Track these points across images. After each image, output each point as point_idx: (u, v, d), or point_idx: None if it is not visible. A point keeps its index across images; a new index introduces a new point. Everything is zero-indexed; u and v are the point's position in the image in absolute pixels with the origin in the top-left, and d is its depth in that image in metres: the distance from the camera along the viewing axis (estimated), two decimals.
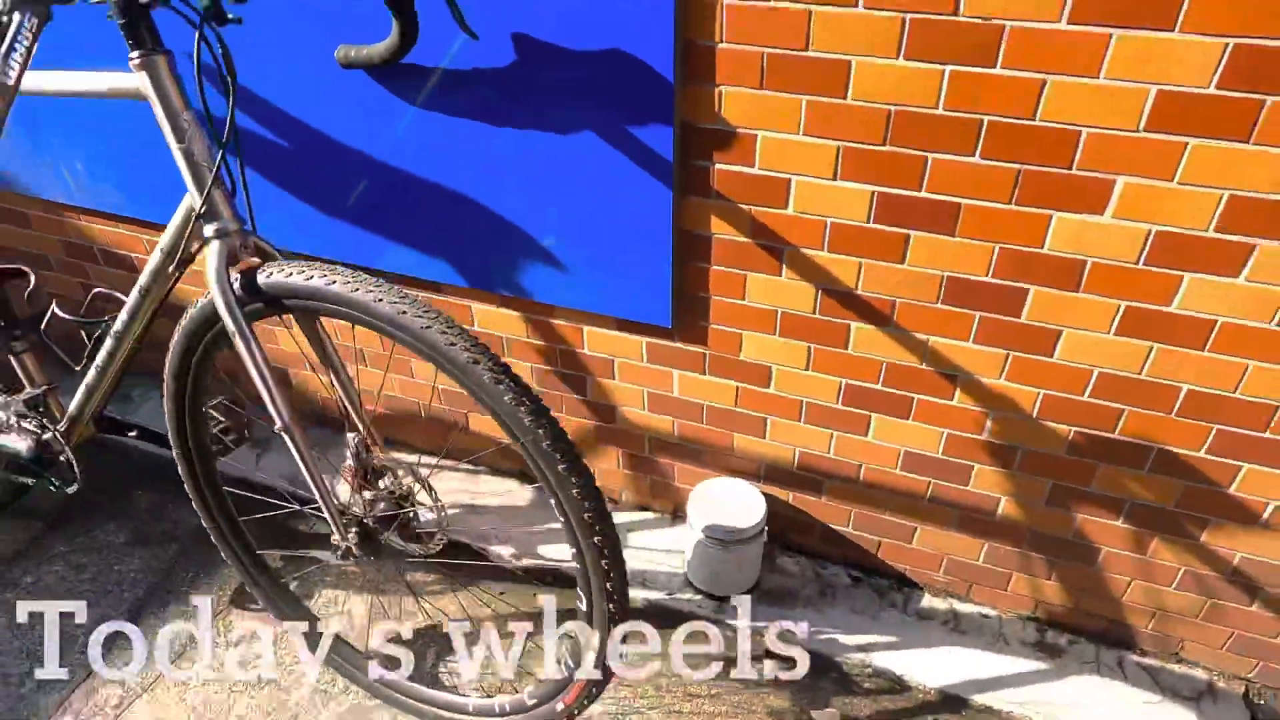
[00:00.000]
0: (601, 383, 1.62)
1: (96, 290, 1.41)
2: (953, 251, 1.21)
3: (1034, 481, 1.40)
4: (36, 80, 1.12)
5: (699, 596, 1.64)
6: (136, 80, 1.03)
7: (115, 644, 1.58)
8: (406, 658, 1.47)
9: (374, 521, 1.27)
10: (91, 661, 1.52)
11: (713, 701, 1.49)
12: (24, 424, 1.53)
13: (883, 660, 1.53)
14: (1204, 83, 0.98)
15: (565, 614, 1.39)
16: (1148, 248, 1.11)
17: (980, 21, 1.03)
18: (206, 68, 1.02)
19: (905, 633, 1.58)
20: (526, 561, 1.71)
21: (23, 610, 1.59)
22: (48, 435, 1.51)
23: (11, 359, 1.49)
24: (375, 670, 1.47)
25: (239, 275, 1.10)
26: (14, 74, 1.04)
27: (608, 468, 1.76)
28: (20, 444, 1.53)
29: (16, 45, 0.99)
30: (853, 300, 1.32)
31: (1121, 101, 1.02)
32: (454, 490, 1.85)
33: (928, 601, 1.63)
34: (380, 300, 1.04)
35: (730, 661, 1.54)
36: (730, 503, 1.57)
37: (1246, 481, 1.26)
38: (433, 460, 1.85)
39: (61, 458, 1.53)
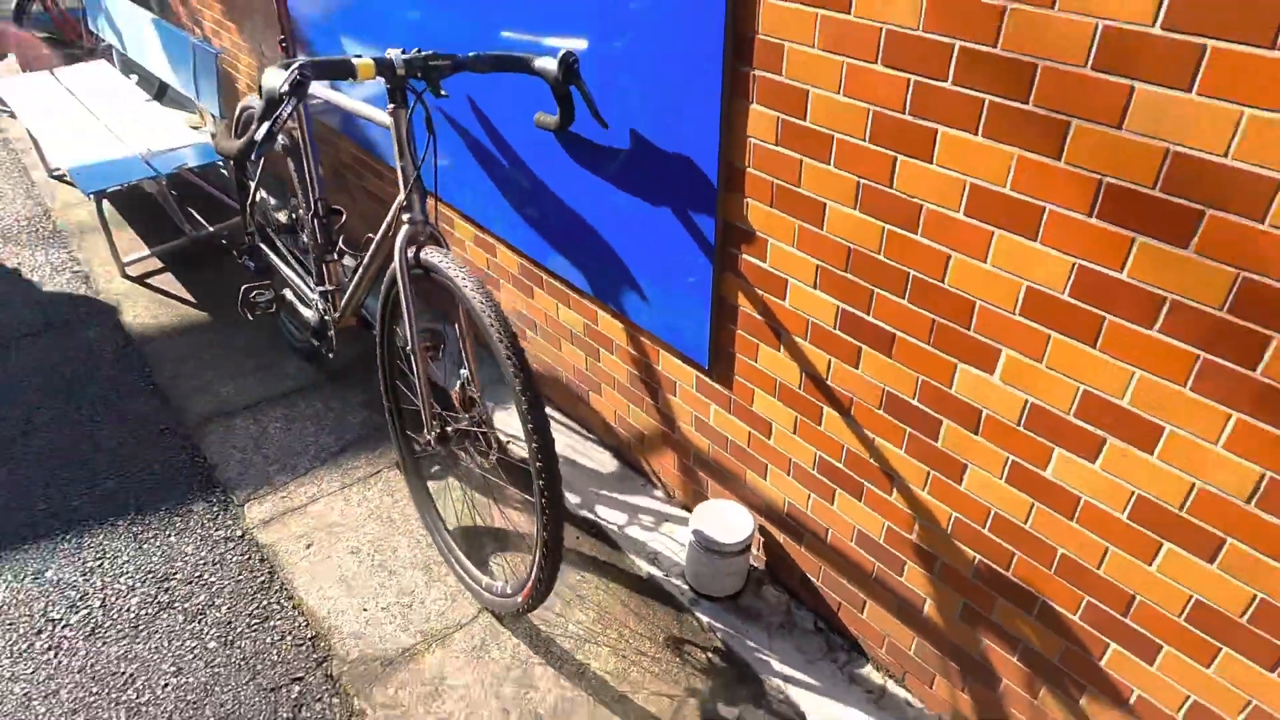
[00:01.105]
0: (668, 397, 2.05)
1: (368, 235, 2.17)
2: (890, 370, 1.46)
3: (950, 594, 1.57)
4: (337, 97, 1.85)
5: (685, 586, 2.01)
6: (388, 120, 1.70)
7: (330, 461, 2.39)
8: (459, 533, 2.06)
9: (454, 431, 1.86)
10: (307, 471, 2.34)
11: (653, 663, 1.87)
12: (319, 306, 2.38)
13: (797, 696, 1.78)
14: (1060, 288, 1.16)
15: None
16: (1026, 413, 1.29)
17: (905, 197, 1.29)
18: (436, 116, 1.66)
19: (831, 686, 1.81)
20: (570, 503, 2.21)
21: (280, 428, 2.48)
22: (328, 317, 2.35)
23: (325, 265, 2.34)
24: (444, 533, 2.08)
25: (414, 250, 1.74)
26: (265, 134, 1.58)
27: (667, 467, 2.19)
28: (313, 317, 2.38)
29: (279, 116, 1.47)
30: (823, 387, 1.61)
31: (1003, 287, 1.23)
32: (561, 444, 2.40)
33: (866, 670, 1.83)
34: (465, 286, 1.60)
35: (683, 643, 1.91)
36: (725, 521, 1.91)
37: (1113, 660, 1.34)
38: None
39: (329, 333, 2.37)
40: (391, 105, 1.67)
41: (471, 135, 2.20)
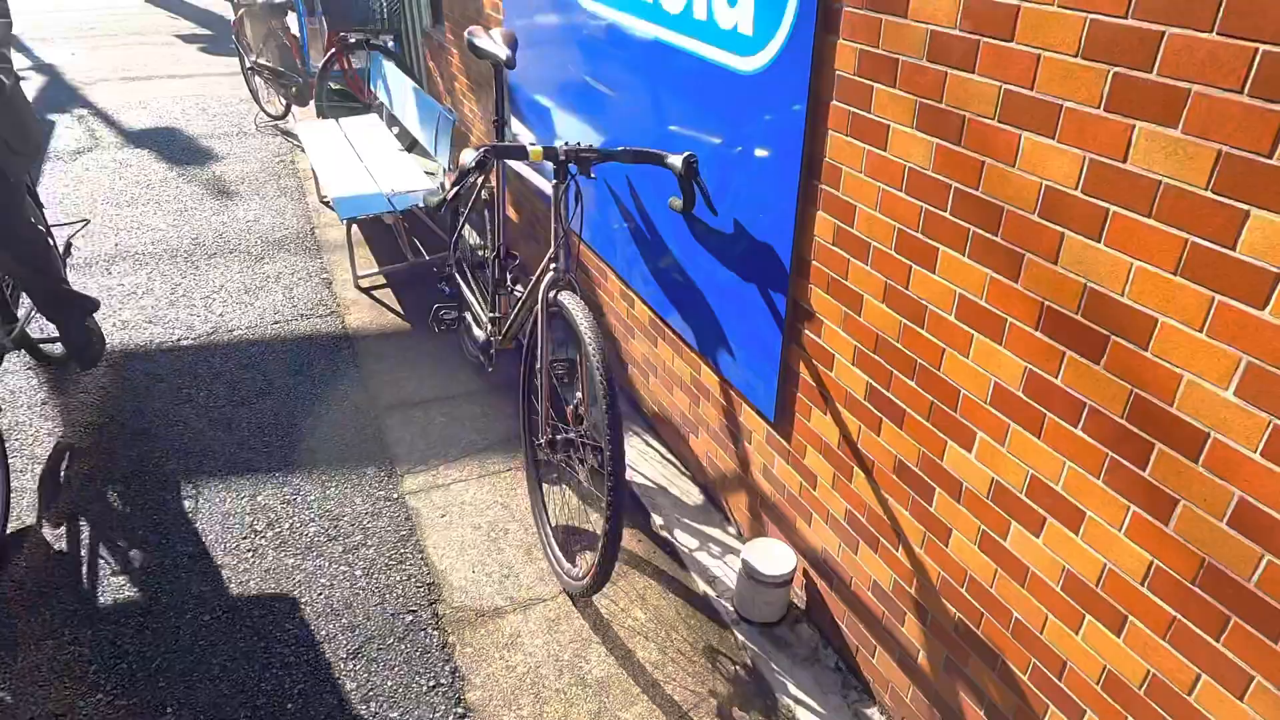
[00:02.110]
0: (745, 445, 2.40)
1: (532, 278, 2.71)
2: (901, 440, 1.74)
3: (937, 646, 1.79)
4: (523, 168, 2.40)
5: (731, 608, 2.32)
6: (550, 191, 2.22)
7: (474, 454, 2.93)
8: (557, 527, 2.49)
9: (561, 439, 2.31)
10: (455, 459, 2.90)
11: (689, 663, 2.20)
12: (488, 329, 2.95)
13: (803, 719, 2.04)
14: (1016, 385, 1.43)
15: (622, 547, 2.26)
16: (993, 488, 1.53)
17: (915, 298, 1.60)
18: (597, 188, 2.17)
19: (836, 718, 2.04)
20: (659, 525, 2.58)
21: (443, 422, 3.06)
22: (492, 338, 2.92)
23: (497, 297, 2.91)
24: (546, 525, 2.53)
25: (553, 292, 2.23)
26: (453, 194, 2.23)
27: (739, 506, 2.52)
28: (481, 337, 2.96)
29: (463, 184, 2.11)
30: (855, 449, 1.90)
31: (979, 380, 1.50)
32: (656, 464, 2.80)
33: (872, 712, 2.05)
34: (582, 325, 2.06)
35: (718, 653, 2.22)
36: (771, 556, 2.21)
37: None
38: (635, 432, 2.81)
39: (491, 351, 2.93)
40: (555, 180, 2.19)
41: (625, 206, 2.70)
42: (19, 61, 8.14)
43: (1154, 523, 1.25)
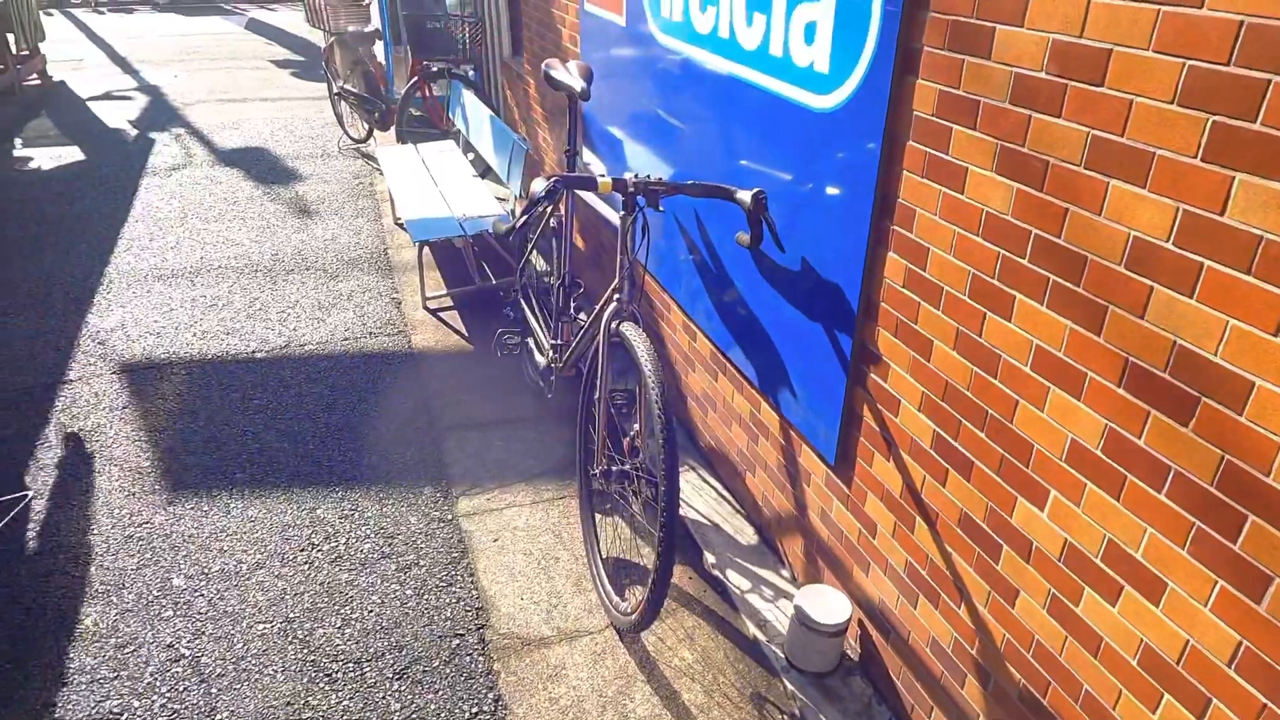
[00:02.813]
0: (804, 487, 2.34)
1: (595, 307, 2.72)
2: (967, 493, 1.67)
3: (999, 713, 1.70)
4: (592, 199, 2.42)
5: (781, 655, 2.25)
6: (618, 222, 2.23)
7: (529, 480, 2.94)
8: (609, 560, 2.47)
9: (616, 469, 2.30)
10: (510, 484, 2.91)
11: (735, 709, 2.13)
12: (549, 355, 2.97)
13: None
14: (1095, 444, 1.36)
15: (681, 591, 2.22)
16: (1066, 550, 1.45)
17: (989, 346, 1.55)
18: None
19: None
20: (710, 564, 2.53)
21: (502, 446, 3.08)
22: (554, 365, 2.93)
23: (561, 324, 2.93)
24: (597, 557, 2.51)
25: (615, 323, 2.23)
26: (522, 223, 2.25)
27: (794, 549, 2.45)
28: (543, 363, 2.98)
29: (533, 213, 2.14)
30: (918, 500, 1.84)
31: (1054, 435, 1.43)
32: (710, 499, 2.75)
33: None
34: (642, 357, 2.05)
35: (766, 700, 2.15)
36: (826, 604, 2.15)
37: None
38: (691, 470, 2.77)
39: (551, 378, 2.94)
40: (623, 211, 2.20)
41: (691, 239, 2.69)
42: (126, 83, 8.65)
43: (1244, 600, 1.16)
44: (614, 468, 2.30)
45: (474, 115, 4.68)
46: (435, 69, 5.57)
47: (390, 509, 2.81)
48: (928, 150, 1.62)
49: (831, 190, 1.91)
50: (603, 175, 2.08)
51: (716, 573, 2.54)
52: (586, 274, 4.01)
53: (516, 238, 1.99)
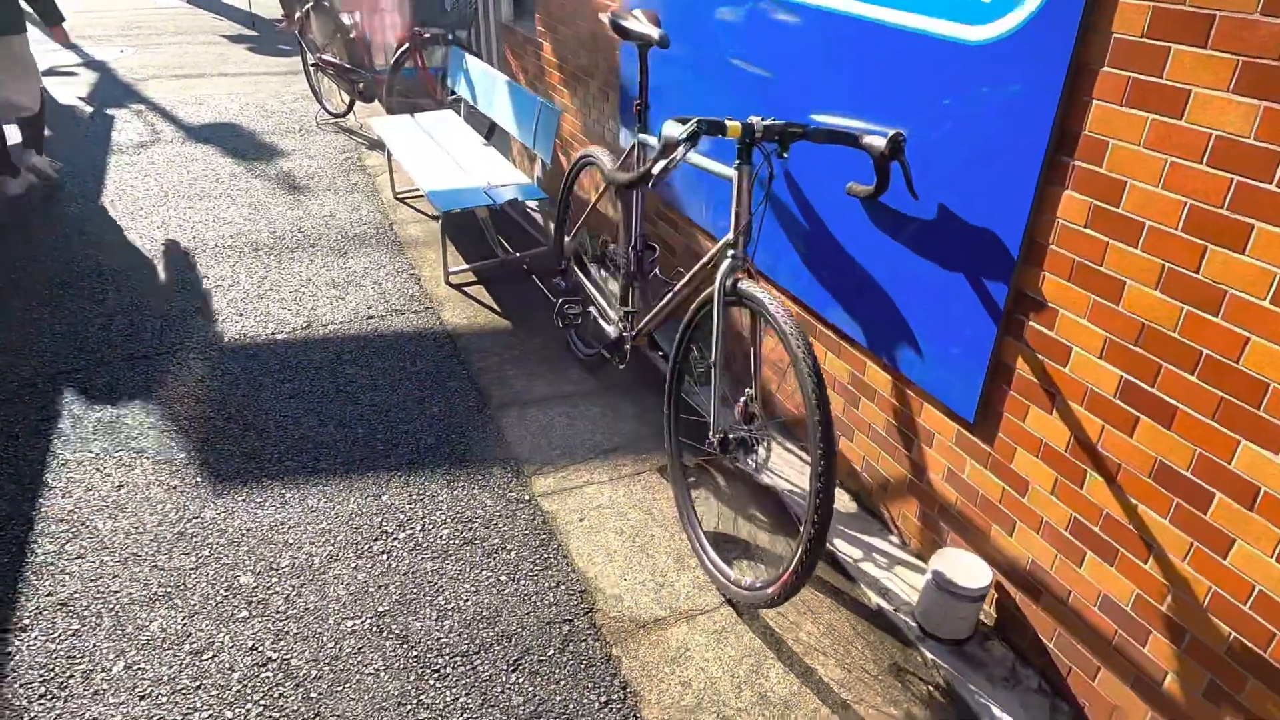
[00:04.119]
0: (923, 448, 2.24)
1: (678, 269, 2.57)
2: (1166, 441, 1.59)
3: (1196, 669, 1.62)
4: (691, 157, 2.26)
5: (912, 623, 2.15)
6: (732, 174, 2.08)
7: (602, 456, 2.78)
8: (711, 534, 2.34)
9: (734, 438, 2.16)
10: (583, 461, 2.75)
11: (876, 682, 2.03)
12: (618, 323, 2.80)
13: None
14: None
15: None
16: None
17: (1208, 282, 1.45)
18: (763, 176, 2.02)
19: None
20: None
21: (563, 422, 2.91)
22: (625, 334, 2.77)
23: (633, 290, 2.77)
24: (698, 531, 2.37)
25: (731, 281, 2.09)
26: (661, 169, 2.09)
27: (907, 514, 2.36)
28: (612, 332, 2.81)
29: (674, 158, 1.90)
30: (1093, 453, 1.75)
31: None
32: (796, 467, 2.64)
33: None
34: (778, 314, 1.91)
35: (906, 672, 2.05)
36: (964, 567, 2.05)
37: None
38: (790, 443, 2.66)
39: (625, 346, 2.78)
40: (738, 161, 2.04)
41: (772, 193, 2.55)
42: (69, 58, 8.08)
43: None
44: (731, 435, 2.16)
45: (483, 82, 4.45)
46: (429, 35, 5.29)
47: (462, 492, 2.62)
48: (1132, 75, 1.51)
49: (985, 130, 1.79)
50: (730, 119, 1.93)
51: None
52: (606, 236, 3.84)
53: (653, 186, 1.82)
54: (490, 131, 4.80)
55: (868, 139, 1.97)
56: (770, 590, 2.02)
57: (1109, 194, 1.60)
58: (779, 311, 1.92)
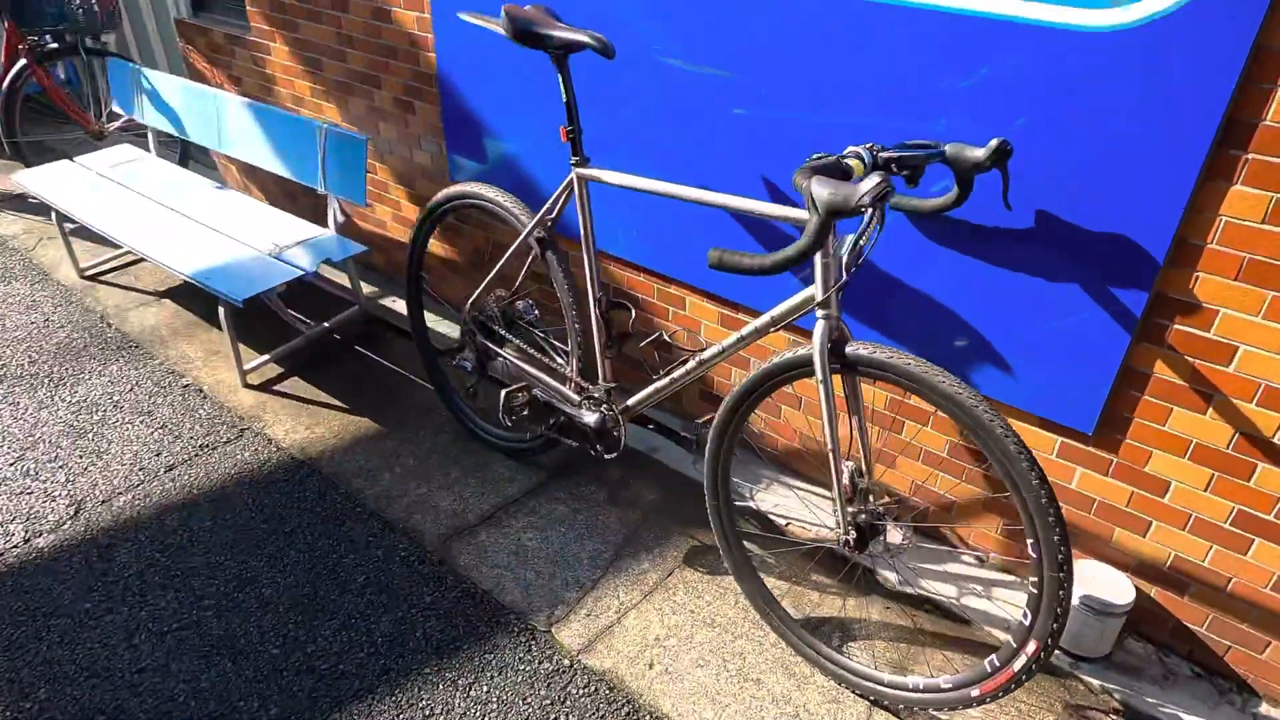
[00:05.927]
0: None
1: (676, 330, 2.07)
2: None
3: None
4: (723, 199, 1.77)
5: (1061, 654, 2.02)
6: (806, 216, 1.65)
7: (613, 569, 2.23)
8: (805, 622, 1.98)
9: (866, 522, 1.79)
10: (594, 584, 2.18)
11: None
12: (595, 406, 2.23)
13: None
14: None
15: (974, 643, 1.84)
16: None
17: None
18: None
19: None
20: (968, 604, 2.18)
21: (535, 538, 2.30)
22: (608, 415, 2.21)
23: (602, 359, 2.20)
24: (798, 631, 2.00)
25: (830, 344, 1.68)
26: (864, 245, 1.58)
27: (988, 530, 2.20)
28: (590, 417, 2.23)
29: (864, 232, 1.51)
30: (1267, 446, 1.68)
31: None
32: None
33: (1266, 709, 1.91)
34: (938, 378, 1.56)
35: (1083, 709, 1.92)
36: (1100, 582, 1.94)
37: None
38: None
39: (615, 432, 2.22)
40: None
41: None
42: None
43: None
44: (862, 518, 1.79)
45: (191, 102, 3.30)
46: (53, 45, 3.83)
47: (480, 688, 1.94)
48: None
49: (1115, 127, 1.57)
50: (853, 154, 1.48)
51: (910, 589, 2.19)
52: (452, 288, 3.12)
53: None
54: (183, 158, 3.69)
55: (956, 147, 1.66)
56: (972, 690, 1.73)
57: None
58: (936, 374, 1.57)
